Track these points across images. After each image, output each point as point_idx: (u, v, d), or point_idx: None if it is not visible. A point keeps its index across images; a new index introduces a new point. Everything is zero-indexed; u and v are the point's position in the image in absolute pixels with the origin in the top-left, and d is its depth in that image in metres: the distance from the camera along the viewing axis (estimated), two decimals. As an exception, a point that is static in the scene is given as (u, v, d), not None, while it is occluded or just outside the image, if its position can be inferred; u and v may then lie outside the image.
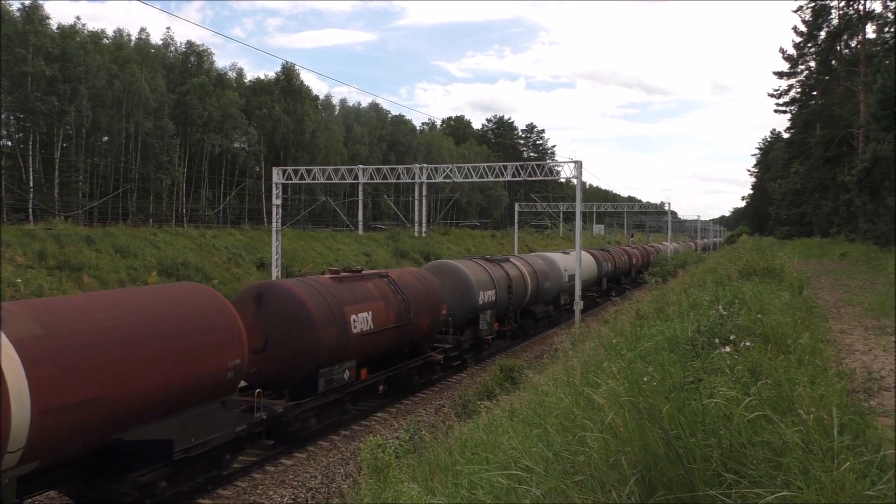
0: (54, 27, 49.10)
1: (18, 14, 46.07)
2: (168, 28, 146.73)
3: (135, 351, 10.44)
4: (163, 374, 10.82)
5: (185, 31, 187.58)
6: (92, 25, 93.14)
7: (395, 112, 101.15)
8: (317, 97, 77.91)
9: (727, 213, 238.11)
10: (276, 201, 35.46)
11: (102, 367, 9.83)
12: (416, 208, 39.03)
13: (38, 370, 8.93)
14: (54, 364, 9.23)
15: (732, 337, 7.04)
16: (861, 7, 48.40)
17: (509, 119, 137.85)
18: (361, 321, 16.79)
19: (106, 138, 54.36)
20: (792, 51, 59.92)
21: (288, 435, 14.96)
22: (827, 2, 52.18)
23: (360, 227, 43.74)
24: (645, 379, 5.16)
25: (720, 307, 8.94)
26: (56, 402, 9.11)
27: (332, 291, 16.28)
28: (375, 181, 36.82)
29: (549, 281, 31.80)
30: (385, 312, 18.01)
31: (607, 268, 44.97)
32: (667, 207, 74.87)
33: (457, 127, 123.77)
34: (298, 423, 15.01)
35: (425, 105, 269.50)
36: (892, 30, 41.81)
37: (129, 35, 59.58)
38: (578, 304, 30.51)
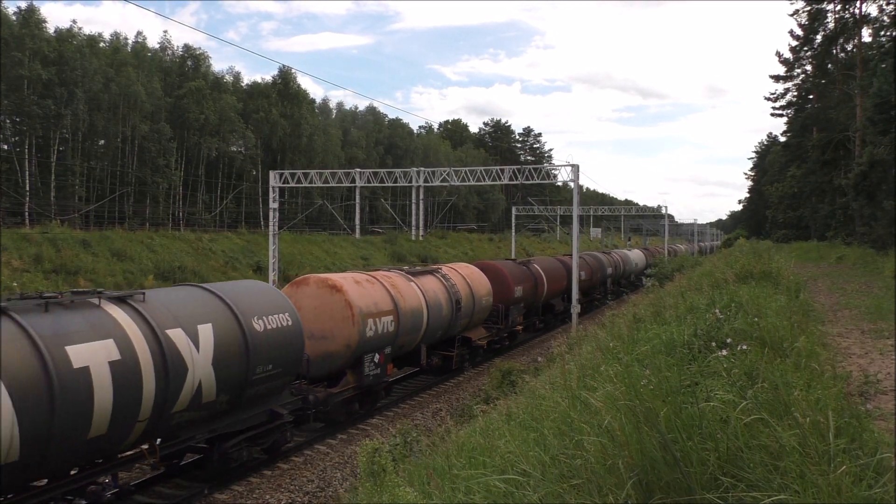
0: (51, 31, 49.13)
1: (15, 17, 46.07)
2: (165, 31, 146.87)
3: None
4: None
5: (179, 34, 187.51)
6: (87, 29, 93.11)
7: (391, 116, 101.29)
8: (314, 101, 78.01)
9: (724, 217, 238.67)
10: (273, 205, 35.45)
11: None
12: (414, 212, 39.05)
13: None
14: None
15: (729, 340, 7.04)
16: (857, 11, 48.55)
17: (506, 122, 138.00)
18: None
19: (102, 142, 54.34)
20: (788, 54, 60.17)
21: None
22: (823, 6, 52.34)
23: (358, 230, 43.75)
24: (642, 382, 5.16)
25: (717, 310, 8.94)
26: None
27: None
28: (373, 185, 36.84)
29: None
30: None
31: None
32: (664, 211, 74.82)
33: (454, 130, 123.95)
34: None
35: (421, 109, 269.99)
36: (888, 33, 41.93)
37: (125, 38, 59.60)
38: (575, 308, 30.49)
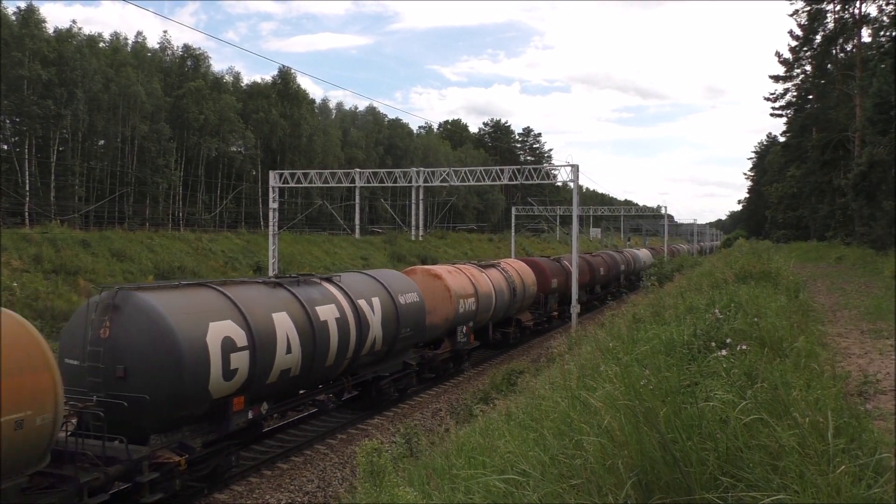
0: (50, 31, 49.12)
1: (15, 17, 46.07)
2: (165, 31, 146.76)
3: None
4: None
5: (179, 34, 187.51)
6: (86, 29, 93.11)
7: (391, 116, 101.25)
8: (313, 101, 78.02)
9: (724, 217, 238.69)
10: (273, 205, 35.44)
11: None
12: (413, 212, 39.04)
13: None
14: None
15: (729, 340, 7.05)
16: (857, 11, 48.56)
17: (506, 123, 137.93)
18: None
19: (102, 142, 54.32)
20: (788, 55, 60.14)
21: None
22: (823, 6, 52.34)
23: (357, 230, 43.74)
24: (642, 382, 5.16)
25: (717, 311, 8.95)
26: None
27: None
28: (372, 185, 36.83)
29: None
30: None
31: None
32: (663, 211, 74.81)
33: (454, 131, 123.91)
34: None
35: (420, 109, 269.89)
36: (888, 34, 41.93)
37: (125, 39, 59.59)
38: (575, 308, 30.50)
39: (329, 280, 16.53)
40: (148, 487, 10.80)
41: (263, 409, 13.67)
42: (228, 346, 12.14)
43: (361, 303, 16.51)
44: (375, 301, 17.15)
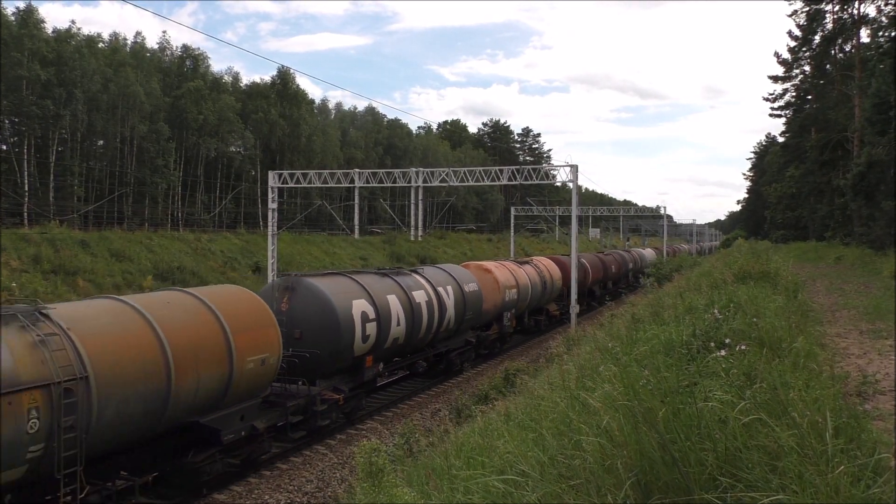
0: (49, 31, 49.09)
1: (14, 18, 46.04)
2: (164, 32, 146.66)
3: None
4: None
5: (178, 34, 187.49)
6: (85, 29, 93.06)
7: (390, 116, 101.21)
8: (313, 101, 77.99)
9: (723, 217, 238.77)
10: (272, 205, 35.43)
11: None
12: (413, 212, 39.05)
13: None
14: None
15: (728, 340, 7.04)
16: (855, 11, 48.59)
17: (505, 123, 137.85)
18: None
19: (101, 142, 54.31)
20: (787, 55, 60.14)
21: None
22: (822, 6, 52.37)
23: (357, 230, 43.74)
24: (641, 383, 5.16)
25: (716, 311, 8.95)
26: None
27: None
28: (371, 185, 36.84)
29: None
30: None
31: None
32: (662, 211, 74.83)
33: (453, 131, 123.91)
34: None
35: (419, 109, 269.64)
36: (887, 34, 41.96)
37: (125, 39, 59.56)
38: (574, 308, 30.50)
39: (416, 272, 21.23)
40: (319, 414, 15.54)
41: (380, 367, 18.47)
42: (364, 317, 16.73)
43: (440, 290, 20.96)
44: (449, 289, 21.54)
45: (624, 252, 54.73)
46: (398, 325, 18.17)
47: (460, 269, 24.57)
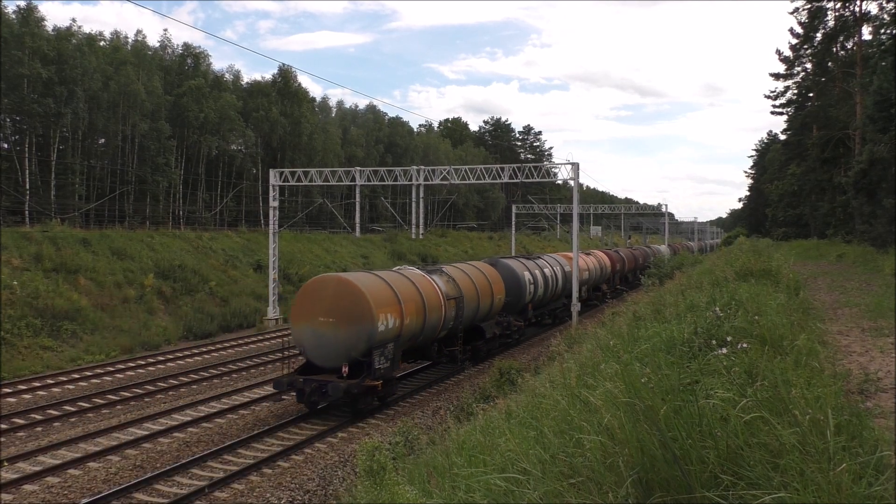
0: (50, 29, 49.07)
1: (15, 16, 46.02)
2: (165, 30, 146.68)
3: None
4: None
5: (178, 33, 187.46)
6: (85, 28, 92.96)
7: (391, 114, 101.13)
8: (314, 99, 77.94)
9: (724, 215, 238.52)
10: (273, 203, 35.44)
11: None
12: (414, 210, 39.02)
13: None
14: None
15: (729, 338, 7.03)
16: (857, 9, 48.52)
17: (506, 121, 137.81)
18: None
19: (102, 140, 54.29)
20: (788, 52, 60.09)
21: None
22: (823, 3, 52.31)
23: (358, 229, 43.72)
24: (642, 381, 5.16)
25: (717, 309, 8.94)
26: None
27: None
28: (373, 183, 36.84)
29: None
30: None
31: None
32: (664, 209, 74.82)
33: (454, 129, 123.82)
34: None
35: (419, 107, 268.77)
36: (889, 31, 41.89)
37: (125, 37, 59.52)
38: (576, 306, 30.50)
39: (539, 258, 34.61)
40: (515, 332, 28.61)
41: (531, 314, 30.78)
42: (530, 281, 29.94)
43: (556, 268, 34.22)
44: (557, 268, 34.30)
45: (645, 248, 66.59)
46: (540, 288, 31.18)
47: (560, 256, 37.40)
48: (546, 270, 32.07)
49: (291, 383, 17.67)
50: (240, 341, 30.16)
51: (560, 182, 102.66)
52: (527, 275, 29.46)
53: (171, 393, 21.08)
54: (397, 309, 18.35)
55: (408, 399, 20.45)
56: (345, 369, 17.37)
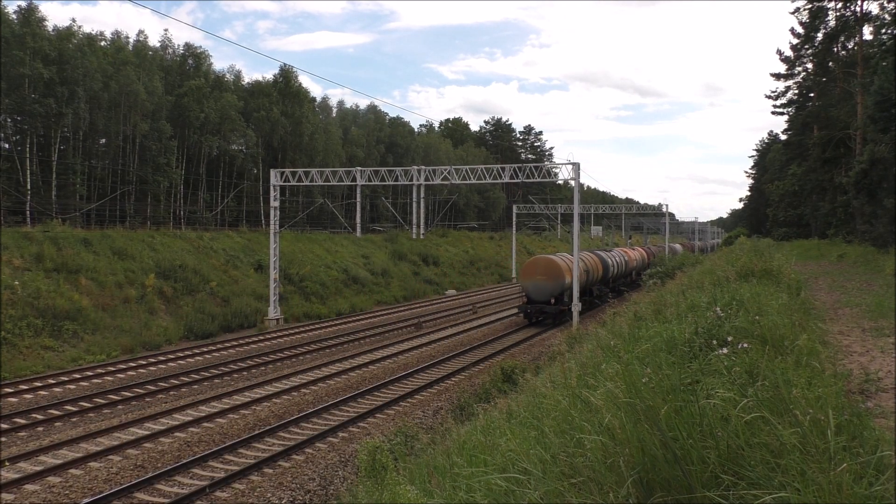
0: (50, 29, 49.08)
1: (15, 16, 46.05)
2: (166, 30, 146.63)
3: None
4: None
5: (177, 33, 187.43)
6: (86, 28, 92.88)
7: (391, 114, 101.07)
8: (314, 99, 77.95)
9: (725, 215, 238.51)
10: (274, 203, 35.46)
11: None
12: (414, 210, 39.03)
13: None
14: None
15: (730, 338, 7.04)
16: (858, 9, 48.52)
17: (507, 121, 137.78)
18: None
19: (103, 140, 54.30)
20: (789, 52, 60.15)
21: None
22: (824, 3, 52.32)
23: (359, 229, 43.73)
24: (643, 380, 5.16)
25: (718, 309, 8.94)
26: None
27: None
28: (373, 183, 36.86)
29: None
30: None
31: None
32: (664, 209, 74.84)
33: (454, 129, 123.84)
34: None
35: (419, 107, 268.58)
36: (889, 31, 41.89)
37: (126, 37, 59.53)
38: (577, 306, 30.49)
39: (611, 251, 48.98)
40: (607, 293, 44.53)
41: (611, 284, 46.40)
42: (611, 264, 46.27)
43: (622, 258, 49.42)
44: (622, 258, 49.15)
45: (655, 246, 74.23)
46: (616, 268, 46.44)
47: (620, 250, 52.00)
48: (617, 258, 48.19)
49: (525, 309, 36.21)
50: (241, 341, 30.17)
51: (561, 182, 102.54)
52: (609, 260, 45.46)
53: (172, 393, 21.09)
54: (571, 274, 34.09)
55: (408, 399, 20.46)
56: (552, 300, 35.36)
